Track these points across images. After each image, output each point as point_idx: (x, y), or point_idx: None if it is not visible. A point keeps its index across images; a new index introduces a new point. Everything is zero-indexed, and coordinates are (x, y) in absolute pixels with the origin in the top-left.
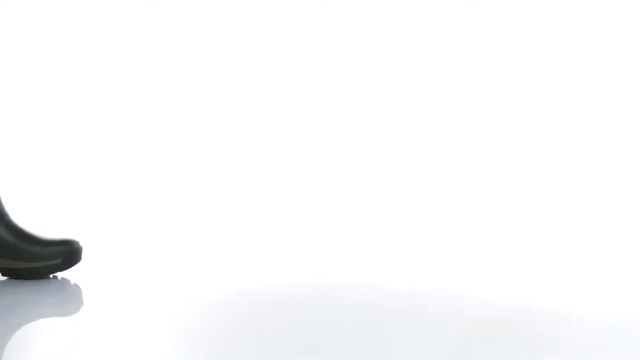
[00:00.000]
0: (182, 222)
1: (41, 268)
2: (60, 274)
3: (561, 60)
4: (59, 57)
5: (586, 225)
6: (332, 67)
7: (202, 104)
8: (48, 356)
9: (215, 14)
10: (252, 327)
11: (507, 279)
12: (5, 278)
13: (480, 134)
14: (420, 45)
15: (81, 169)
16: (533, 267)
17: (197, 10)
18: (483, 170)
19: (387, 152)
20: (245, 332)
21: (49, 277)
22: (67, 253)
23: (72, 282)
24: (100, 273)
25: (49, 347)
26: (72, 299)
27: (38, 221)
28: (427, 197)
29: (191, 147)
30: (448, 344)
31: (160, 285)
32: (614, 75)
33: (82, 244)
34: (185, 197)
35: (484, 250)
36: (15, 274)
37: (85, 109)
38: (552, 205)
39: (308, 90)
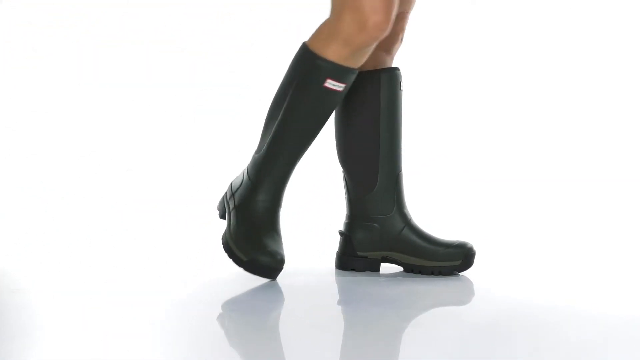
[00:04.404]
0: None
1: (442, 267)
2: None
3: (561, 60)
4: (57, 56)
5: (586, 224)
6: None
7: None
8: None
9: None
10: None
11: (507, 278)
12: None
13: (482, 133)
14: (420, 45)
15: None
16: (535, 266)
17: (195, 11)
18: (483, 170)
19: None
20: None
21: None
22: (464, 256)
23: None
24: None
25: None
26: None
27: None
28: (427, 195)
29: (194, 149)
30: (448, 343)
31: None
32: (614, 75)
33: (475, 248)
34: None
35: (484, 248)
36: (418, 270)
37: (83, 110)
38: (553, 204)
39: None
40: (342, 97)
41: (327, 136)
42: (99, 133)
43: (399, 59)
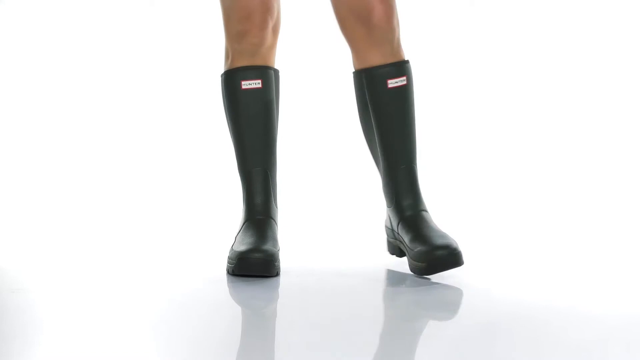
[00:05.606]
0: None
1: (411, 266)
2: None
3: (560, 61)
4: (55, 56)
5: (586, 224)
6: (331, 68)
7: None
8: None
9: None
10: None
11: (507, 278)
12: None
13: (481, 133)
14: (420, 45)
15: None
16: (534, 266)
17: (194, 11)
18: (484, 169)
19: None
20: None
21: None
22: (429, 260)
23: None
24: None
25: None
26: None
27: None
28: (427, 195)
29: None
30: (448, 343)
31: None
32: (614, 76)
33: (460, 248)
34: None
35: (485, 247)
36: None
37: (82, 109)
38: (553, 204)
39: (308, 90)
40: (267, 93)
41: (327, 136)
42: (99, 133)
43: None
